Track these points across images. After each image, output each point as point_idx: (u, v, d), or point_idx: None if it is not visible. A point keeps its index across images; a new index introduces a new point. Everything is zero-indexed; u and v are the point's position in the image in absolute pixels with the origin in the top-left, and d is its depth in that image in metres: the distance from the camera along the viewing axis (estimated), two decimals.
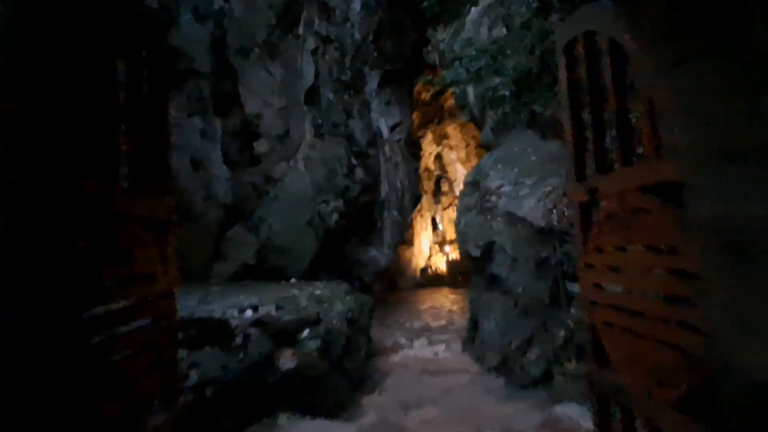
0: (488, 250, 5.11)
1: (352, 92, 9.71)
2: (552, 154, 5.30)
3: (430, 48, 11.86)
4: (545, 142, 5.55)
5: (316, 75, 9.33)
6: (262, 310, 3.87)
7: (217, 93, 8.04)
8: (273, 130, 9.16)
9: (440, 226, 16.02)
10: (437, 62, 11.45)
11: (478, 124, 10.64)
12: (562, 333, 3.93)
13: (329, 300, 4.87)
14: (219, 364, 2.75)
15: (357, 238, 10.89)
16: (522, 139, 5.91)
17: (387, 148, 12.12)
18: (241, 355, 2.94)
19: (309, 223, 8.67)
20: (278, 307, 4.03)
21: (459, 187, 15.87)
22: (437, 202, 15.96)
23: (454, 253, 15.09)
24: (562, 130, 5.88)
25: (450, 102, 14.85)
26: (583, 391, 3.27)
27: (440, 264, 15.15)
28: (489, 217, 5.27)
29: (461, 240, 5.71)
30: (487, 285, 5.20)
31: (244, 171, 8.59)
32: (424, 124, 15.32)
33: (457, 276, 13.73)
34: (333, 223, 8.97)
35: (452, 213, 16.07)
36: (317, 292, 5.10)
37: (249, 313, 3.70)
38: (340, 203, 9.07)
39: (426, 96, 14.87)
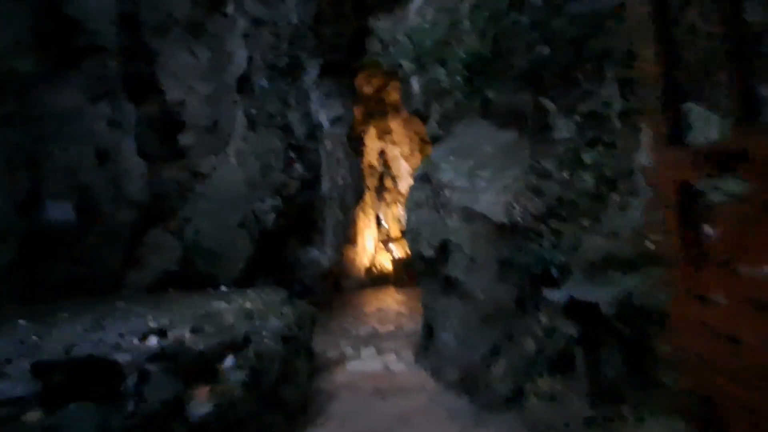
0: (443, 249, 4.52)
1: (288, 80, 8.80)
2: (509, 144, 4.80)
3: (372, 37, 11.19)
4: (501, 132, 5.04)
5: (249, 60, 8.33)
6: (172, 335, 3.00)
7: (128, 75, 6.83)
8: (199, 119, 8.05)
9: (384, 224, 15.45)
10: (379, 52, 10.79)
11: (423, 117, 10.14)
12: (532, 344, 3.41)
13: (262, 314, 4.05)
14: (91, 425, 1.90)
15: (297, 238, 10.00)
16: (475, 130, 5.37)
17: (328, 143, 11.30)
18: (131, 406, 2.09)
19: (242, 224, 7.70)
20: (195, 330, 3.18)
21: (403, 184, 15.37)
22: (381, 199, 15.36)
23: (399, 251, 14.57)
24: (518, 119, 5.43)
25: (393, 96, 14.27)
26: (564, 418, 2.74)
27: (385, 263, 14.57)
28: (443, 213, 4.68)
29: (412, 239, 5.09)
30: (442, 289, 4.61)
31: (165, 166, 7.44)
32: (367, 119, 14.64)
33: (402, 275, 13.21)
34: (270, 223, 8.05)
35: (396, 210, 15.55)
36: (248, 304, 4.25)
37: (153, 341, 2.82)
38: (277, 201, 8.16)
39: (369, 90, 14.18)
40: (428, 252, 4.64)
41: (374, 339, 6.63)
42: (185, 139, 7.90)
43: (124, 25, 6.62)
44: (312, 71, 10.65)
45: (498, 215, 4.12)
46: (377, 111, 14.61)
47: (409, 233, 5.15)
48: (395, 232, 15.47)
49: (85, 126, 6.12)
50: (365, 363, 5.47)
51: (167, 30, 7.40)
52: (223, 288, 6.25)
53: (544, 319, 3.38)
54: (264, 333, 3.58)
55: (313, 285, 10.84)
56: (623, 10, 3.94)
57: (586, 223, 3.51)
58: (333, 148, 11.69)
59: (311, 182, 9.05)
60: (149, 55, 7.37)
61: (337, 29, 10.51)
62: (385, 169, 15.31)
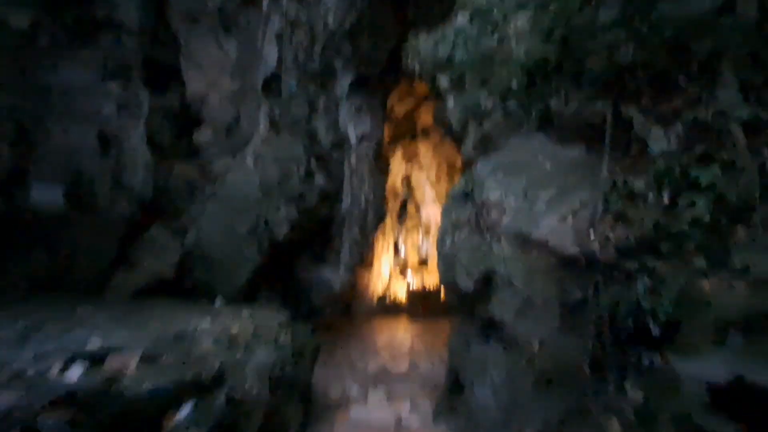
0: (486, 282, 3.49)
1: (319, 85, 8.07)
2: (575, 160, 3.81)
3: (409, 54, 10.50)
4: (563, 147, 4.06)
5: (279, 60, 7.65)
6: (111, 364, 2.06)
7: (149, 60, 6.16)
8: (219, 117, 7.34)
9: (402, 251, 14.41)
10: (416, 70, 10.05)
11: (458, 139, 9.26)
12: (617, 427, 2.34)
13: (251, 341, 3.07)
14: None
15: (310, 255, 9.06)
16: (528, 144, 4.41)
17: (353, 158, 10.50)
18: None
19: (252, 232, 6.81)
20: (148, 358, 2.22)
21: (426, 211, 14.40)
22: (402, 224, 14.39)
23: (415, 281, 13.46)
24: (586, 132, 4.46)
25: (425, 120, 13.51)
26: None
27: (400, 292, 13.45)
28: (488, 237, 3.68)
29: (445, 266, 4.07)
30: (480, 331, 3.55)
31: (177, 162, 6.68)
32: (395, 140, 13.86)
33: (418, 305, 12.06)
34: (282, 235, 7.14)
35: (417, 237, 14.53)
36: (236, 327, 3.27)
37: (75, 372, 1.88)
38: (293, 211, 7.28)
39: (400, 110, 13.46)
40: (466, 283, 3.61)
41: (385, 378, 5.53)
42: (202, 136, 7.16)
43: (150, 3, 6.00)
44: (344, 81, 9.97)
45: (565, 245, 3.10)
46: (406, 133, 13.84)
47: (442, 259, 4.13)
48: (413, 260, 14.39)
49: (92, 106, 5.40)
50: (373, 411, 4.38)
51: (197, 18, 6.78)
52: (218, 302, 5.29)
53: (636, 395, 2.32)
54: (247, 369, 2.60)
55: (322, 307, 9.80)
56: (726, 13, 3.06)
57: (700, 263, 2.46)
58: (358, 165, 10.86)
59: (332, 196, 8.18)
60: (175, 42, 6.73)
61: (375, 42, 9.86)
62: (409, 194, 14.40)
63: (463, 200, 4.37)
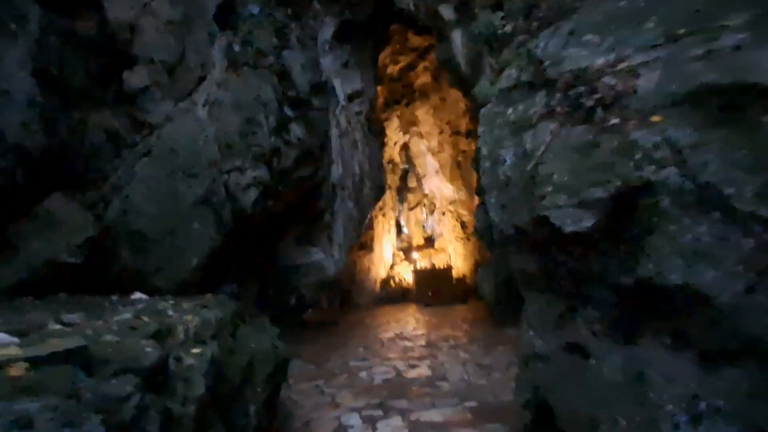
0: (624, 210, 1.56)
1: (289, 11, 6.04)
2: None
3: None
4: None
5: None
6: None
7: None
8: (157, 52, 5.30)
9: (405, 230, 12.44)
10: (412, 9, 8.02)
11: (468, 82, 7.28)
12: None
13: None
14: None
15: (294, 233, 7.09)
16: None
17: (343, 120, 8.49)
18: None
19: (205, 201, 4.82)
20: None
21: (429, 183, 12.41)
22: (403, 200, 12.41)
23: (422, 262, 11.51)
24: None
25: (423, 80, 11.48)
26: None
27: (405, 275, 11.51)
28: (604, 127, 1.73)
29: (505, 199, 2.10)
30: (619, 317, 1.61)
31: (96, 110, 4.67)
32: (390, 106, 11.83)
33: (426, 290, 10.13)
34: (250, 204, 5.16)
35: (420, 214, 12.55)
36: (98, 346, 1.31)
37: None
38: (263, 173, 5.28)
39: (394, 70, 11.40)
40: (576, 218, 1.65)
41: (399, 392, 3.60)
42: (134, 78, 5.13)
43: None
44: (327, 30, 7.96)
45: None
46: (402, 97, 11.82)
47: (497, 189, 2.16)
48: (418, 239, 12.43)
49: None
50: None
51: None
52: (139, 295, 3.33)
53: None
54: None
55: (314, 297, 7.84)
56: None
57: None
58: (349, 128, 8.87)
59: (315, 155, 6.17)
60: None
61: None
62: (410, 166, 12.40)
63: (525, 90, 2.39)
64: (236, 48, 5.48)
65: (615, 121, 1.67)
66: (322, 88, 6.07)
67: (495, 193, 2.12)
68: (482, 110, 2.58)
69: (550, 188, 1.73)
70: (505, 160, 2.14)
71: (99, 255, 3.98)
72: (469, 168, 11.01)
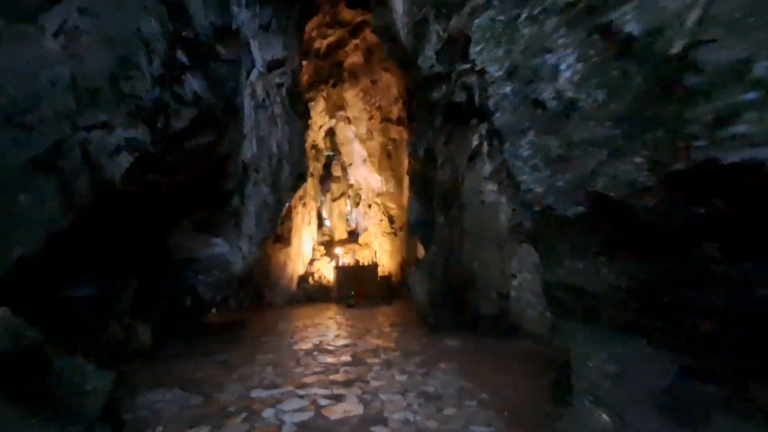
0: None
1: None
2: None
3: None
4: None
5: None
6: None
7: None
8: None
9: (327, 222, 11.28)
10: None
11: (410, 55, 6.40)
12: None
13: None
14: None
15: (192, 220, 5.63)
16: None
17: (260, 89, 7.12)
18: None
19: (44, 166, 3.29)
20: None
21: (356, 173, 11.40)
22: (326, 190, 11.22)
23: (346, 258, 10.47)
24: None
25: (353, 59, 10.38)
26: None
27: (326, 272, 10.38)
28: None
29: (575, 128, 1.17)
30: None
31: None
32: (316, 85, 10.58)
33: (349, 289, 9.12)
34: (119, 174, 3.70)
35: (344, 206, 11.48)
36: None
37: None
38: (140, 134, 3.85)
39: (321, 45, 10.17)
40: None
41: None
42: None
43: None
44: None
45: None
46: (329, 77, 10.64)
47: (539, 120, 1.22)
48: (341, 233, 11.35)
49: None
50: None
51: None
52: None
53: None
54: None
55: (215, 298, 6.41)
56: None
57: None
58: (268, 101, 7.51)
59: (219, 119, 4.80)
60: None
61: None
62: (335, 153, 11.25)
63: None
64: None
65: None
66: (232, 36, 4.73)
67: (531, 135, 1.16)
68: (476, 21, 1.62)
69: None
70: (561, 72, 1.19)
71: None
72: (399, 158, 10.20)
